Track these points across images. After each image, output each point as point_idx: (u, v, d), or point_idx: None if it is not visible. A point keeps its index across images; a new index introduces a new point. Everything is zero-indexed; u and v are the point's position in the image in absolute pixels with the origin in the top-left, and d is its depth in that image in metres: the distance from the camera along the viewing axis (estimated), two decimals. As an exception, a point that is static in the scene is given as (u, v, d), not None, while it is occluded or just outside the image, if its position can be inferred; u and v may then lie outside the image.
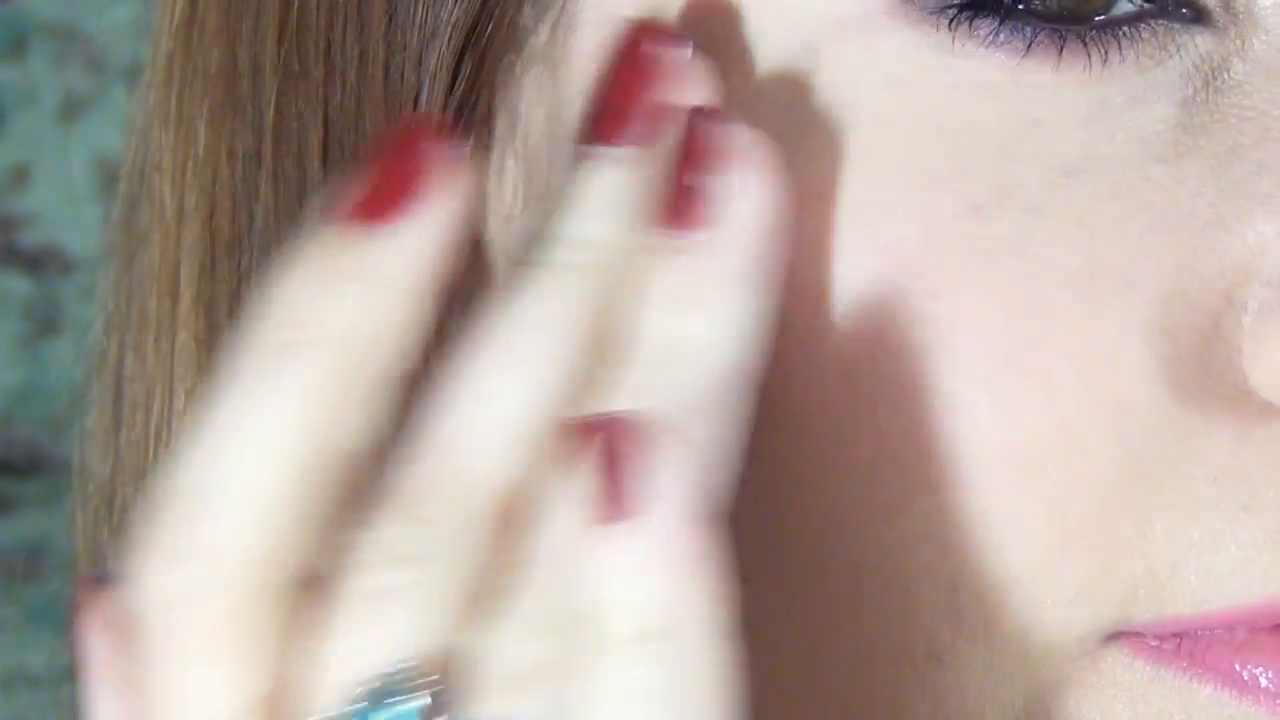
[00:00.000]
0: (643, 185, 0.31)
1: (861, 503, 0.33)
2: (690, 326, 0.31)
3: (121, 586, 0.29)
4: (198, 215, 0.39)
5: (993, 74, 0.32)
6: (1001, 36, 0.32)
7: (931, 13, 0.32)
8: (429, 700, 0.27)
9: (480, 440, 0.29)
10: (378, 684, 0.28)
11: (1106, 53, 0.32)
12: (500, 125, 0.36)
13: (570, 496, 0.28)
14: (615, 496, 0.27)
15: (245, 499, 0.29)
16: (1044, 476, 0.32)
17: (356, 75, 0.36)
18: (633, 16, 0.32)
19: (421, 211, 0.30)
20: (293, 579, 0.29)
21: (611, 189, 0.31)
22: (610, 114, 0.32)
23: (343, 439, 0.30)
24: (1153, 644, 0.33)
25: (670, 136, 0.31)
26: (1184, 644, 0.33)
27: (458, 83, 0.36)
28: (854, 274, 0.32)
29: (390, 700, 0.28)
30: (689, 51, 0.32)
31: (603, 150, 0.31)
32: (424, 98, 0.36)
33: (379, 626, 0.28)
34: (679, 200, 0.31)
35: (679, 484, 0.28)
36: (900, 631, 0.33)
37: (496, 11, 0.35)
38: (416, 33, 0.36)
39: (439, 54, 0.35)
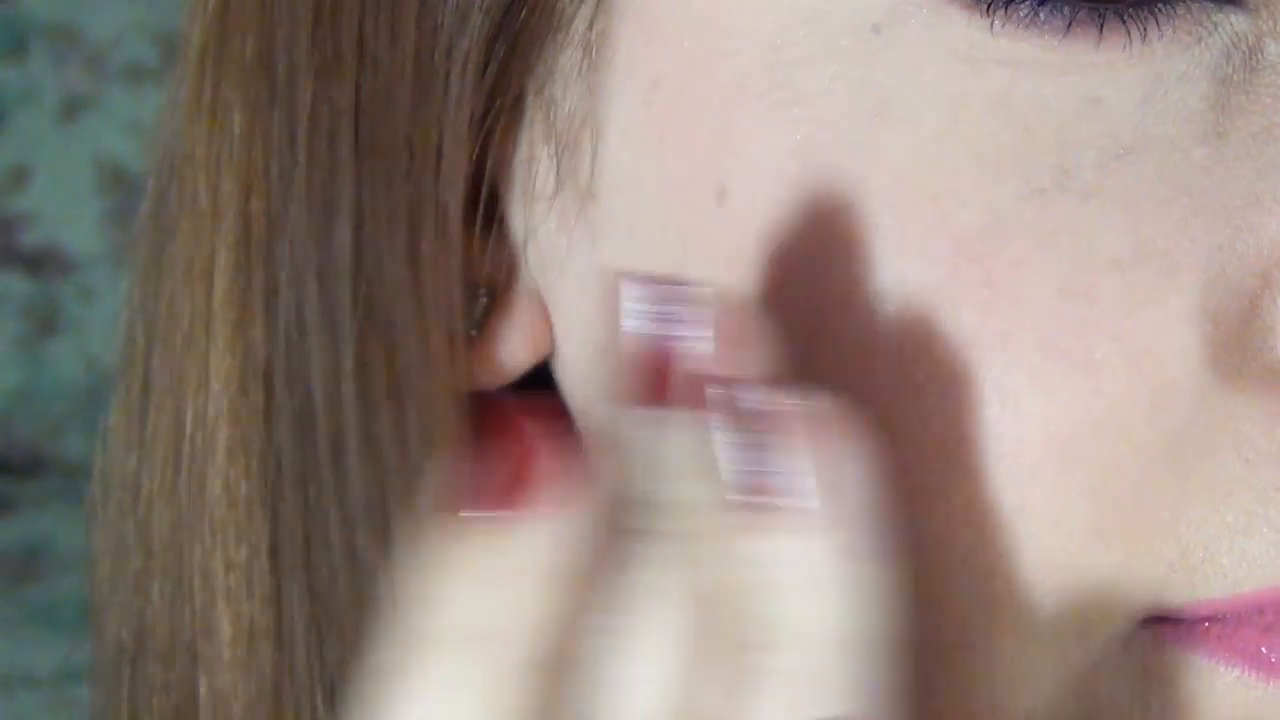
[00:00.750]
0: (737, 461, 0.30)
1: (903, 489, 0.32)
2: (825, 605, 0.30)
3: None
4: (232, 204, 0.39)
5: (1040, 54, 0.32)
6: (1041, 16, 0.32)
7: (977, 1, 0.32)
8: None
9: None
10: None
11: (1145, 29, 0.32)
12: (533, 109, 0.36)
13: None
14: None
15: None
16: (1086, 464, 0.32)
17: (388, 61, 0.36)
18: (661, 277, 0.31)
19: (545, 501, 0.30)
20: None
21: (700, 455, 0.31)
22: (689, 383, 0.31)
23: None
24: (1184, 628, 0.33)
25: (754, 406, 0.31)
26: (1213, 627, 0.33)
27: (489, 67, 0.36)
28: (920, 262, 0.32)
29: None
30: (749, 320, 0.31)
31: (687, 416, 0.31)
32: (454, 83, 0.36)
33: None
34: (779, 485, 0.30)
35: None
36: (934, 618, 0.33)
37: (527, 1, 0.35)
38: (448, 17, 0.36)
39: (471, 39, 0.35)
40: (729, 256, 0.34)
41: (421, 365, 0.37)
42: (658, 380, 0.31)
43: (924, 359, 0.33)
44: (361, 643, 0.38)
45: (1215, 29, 0.32)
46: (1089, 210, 0.32)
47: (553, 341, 0.38)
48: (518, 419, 0.31)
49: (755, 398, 0.30)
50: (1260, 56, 0.32)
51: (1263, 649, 0.32)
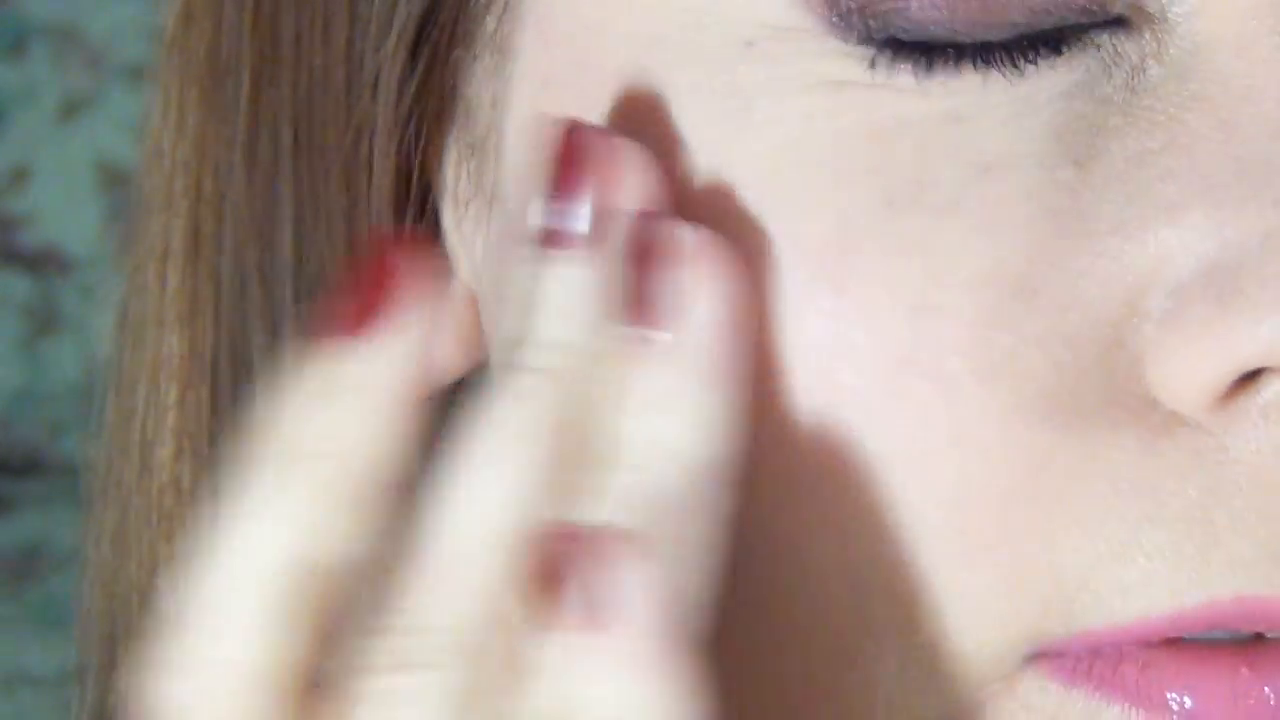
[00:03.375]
0: (603, 286, 0.32)
1: (767, 492, 0.33)
2: (663, 428, 0.31)
3: (141, 695, 0.31)
4: (186, 199, 0.40)
5: (914, 81, 0.32)
6: (926, 65, 0.32)
7: (857, 43, 0.32)
8: None
9: (470, 547, 0.31)
10: None
11: (1032, 56, 0.32)
12: (458, 112, 0.37)
13: (547, 608, 0.29)
14: (586, 609, 0.29)
15: (244, 611, 0.31)
16: (941, 478, 0.32)
17: (321, 63, 0.37)
18: (558, 117, 0.33)
19: (395, 325, 0.31)
20: (299, 684, 0.30)
21: (574, 291, 0.32)
22: (557, 214, 0.32)
23: (336, 549, 0.31)
24: (1067, 664, 0.33)
25: (621, 237, 0.32)
26: (1096, 663, 0.33)
27: (416, 67, 0.36)
28: (772, 270, 0.32)
29: None
30: (627, 147, 0.32)
31: (558, 252, 0.32)
32: (382, 85, 0.36)
33: None
34: (640, 305, 0.32)
35: (646, 595, 0.29)
36: (807, 625, 0.33)
37: (446, 7, 0.36)
38: (375, 19, 0.36)
39: (395, 41, 0.36)
40: None
41: None
42: (561, 219, 0.32)
43: (777, 365, 0.33)
44: None
45: (1097, 50, 0.32)
46: (944, 226, 0.32)
47: (485, 347, 0.39)
48: (386, 249, 0.32)
49: (623, 229, 0.32)
50: (1142, 78, 0.32)
51: (1143, 684, 0.32)
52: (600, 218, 0.32)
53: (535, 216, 0.33)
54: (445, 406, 0.41)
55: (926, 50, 0.32)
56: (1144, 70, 0.32)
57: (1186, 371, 0.31)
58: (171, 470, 0.41)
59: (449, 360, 0.39)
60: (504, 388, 0.32)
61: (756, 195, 0.33)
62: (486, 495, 0.31)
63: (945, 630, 0.33)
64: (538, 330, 0.32)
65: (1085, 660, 0.33)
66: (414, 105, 0.37)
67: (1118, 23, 0.32)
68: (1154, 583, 0.32)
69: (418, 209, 0.38)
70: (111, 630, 0.43)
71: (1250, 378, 0.31)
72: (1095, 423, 0.31)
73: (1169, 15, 0.32)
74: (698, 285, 0.32)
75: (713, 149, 0.33)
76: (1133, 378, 0.31)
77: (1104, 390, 0.32)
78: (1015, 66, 0.32)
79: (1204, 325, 0.31)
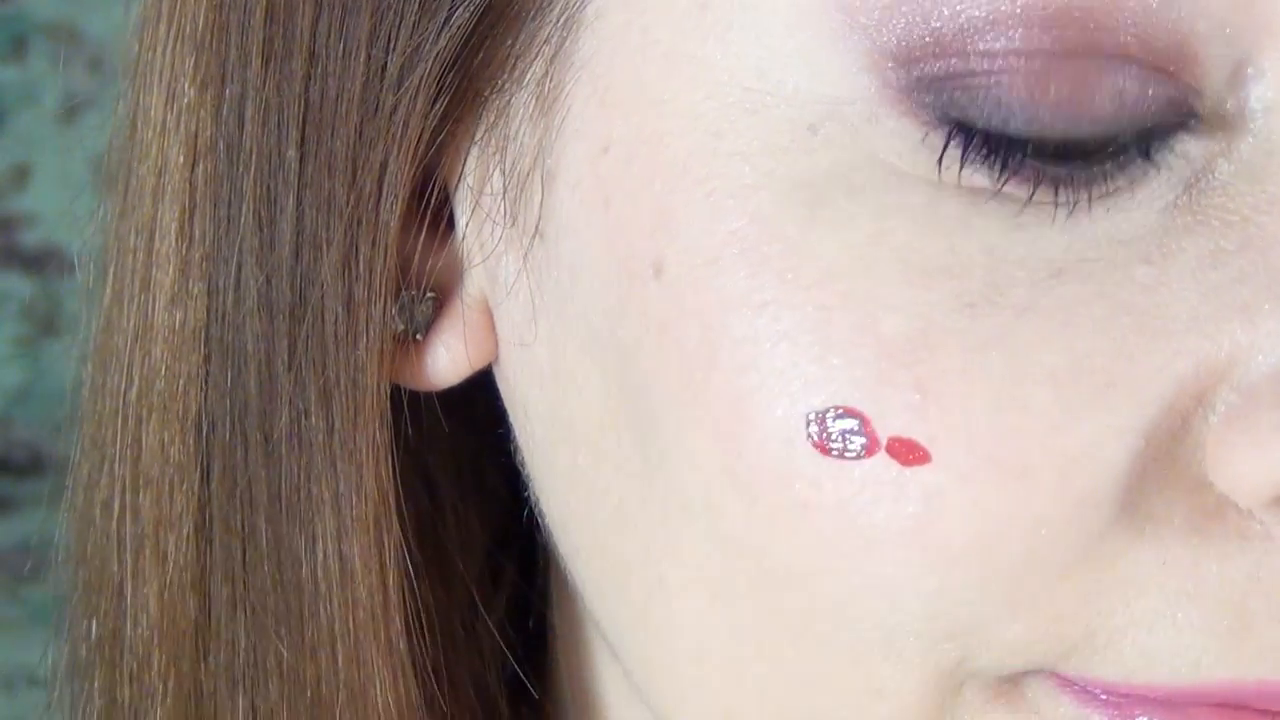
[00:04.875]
0: None
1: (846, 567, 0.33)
2: None
3: None
4: (179, 170, 0.39)
5: (979, 185, 0.32)
6: (991, 167, 0.32)
7: (929, 123, 0.32)
8: None
9: None
10: None
11: (1090, 183, 0.32)
12: (487, 135, 0.37)
13: None
14: None
15: None
16: (1009, 557, 0.32)
17: (336, 73, 0.37)
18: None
19: None
20: None
21: None
22: None
23: None
24: (1078, 687, 0.33)
25: None
26: (1110, 697, 0.33)
27: (439, 97, 0.36)
28: (846, 362, 0.32)
29: None
30: None
31: None
32: (403, 108, 0.36)
33: None
34: None
35: None
36: (846, 668, 0.34)
37: (488, 43, 0.36)
38: (398, 55, 0.36)
39: (421, 78, 0.36)
40: (661, 327, 0.34)
41: (350, 373, 0.38)
42: None
43: (846, 460, 0.32)
44: (284, 613, 0.39)
45: (1164, 166, 0.32)
46: (1023, 325, 0.32)
47: (496, 351, 0.39)
48: None
49: None
50: (1210, 178, 0.32)
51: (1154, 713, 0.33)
52: None
53: None
54: (455, 404, 0.41)
55: (999, 147, 0.32)
56: (1212, 171, 0.32)
57: (1249, 471, 0.31)
58: (161, 439, 0.40)
59: (459, 363, 0.39)
60: None
61: (828, 293, 0.33)
62: None
63: (971, 666, 0.33)
64: None
65: (1096, 693, 0.33)
66: (439, 126, 0.36)
67: (1184, 126, 0.32)
68: (1180, 655, 0.32)
69: (425, 198, 0.38)
70: (88, 578, 0.43)
71: None
72: (1152, 500, 0.32)
73: (1245, 113, 0.32)
74: None
75: (784, 246, 0.33)
76: (1192, 461, 0.32)
77: (1164, 472, 0.32)
78: (1086, 189, 0.32)
79: (1273, 431, 0.31)
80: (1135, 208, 0.32)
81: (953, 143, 0.32)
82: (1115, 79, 0.31)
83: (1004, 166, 0.32)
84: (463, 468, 0.45)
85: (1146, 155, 0.32)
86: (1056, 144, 0.31)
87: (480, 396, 0.41)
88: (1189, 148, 0.32)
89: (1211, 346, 0.32)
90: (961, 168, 0.32)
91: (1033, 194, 0.32)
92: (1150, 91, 0.31)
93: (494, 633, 0.44)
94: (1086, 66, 0.31)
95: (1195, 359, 0.32)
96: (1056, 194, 0.32)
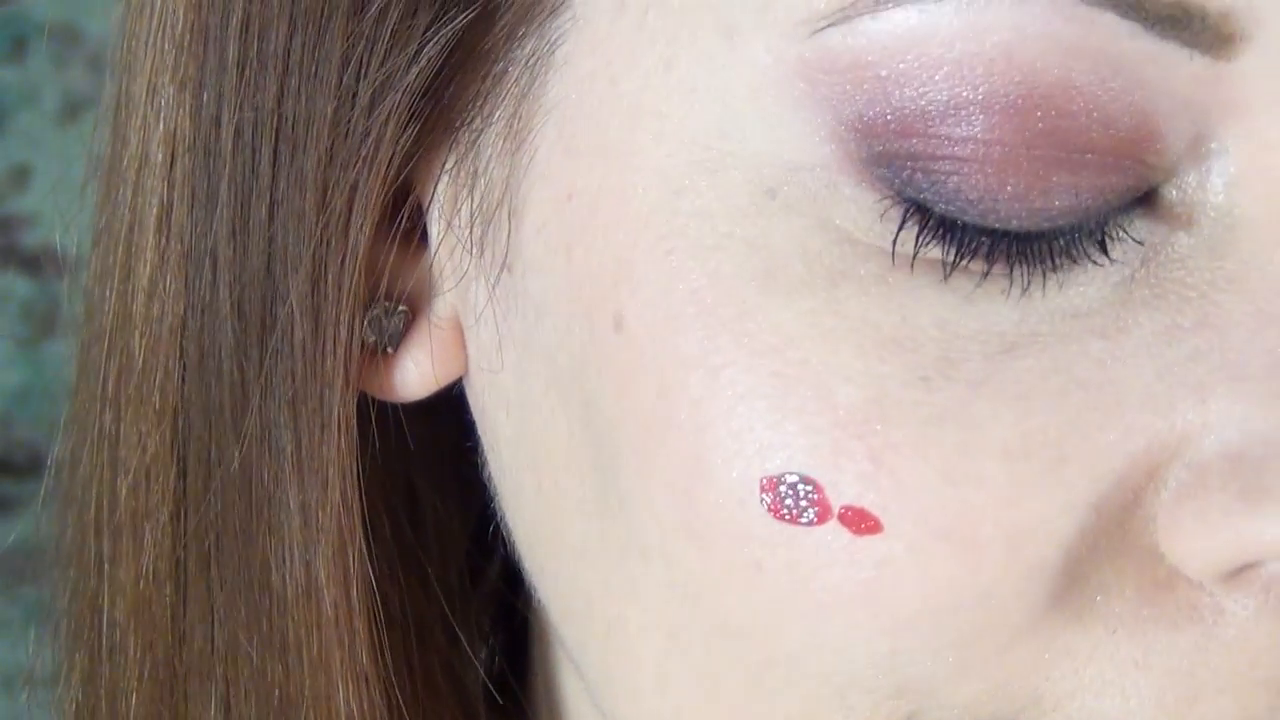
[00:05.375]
0: None
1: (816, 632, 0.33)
2: None
3: None
4: (159, 169, 0.39)
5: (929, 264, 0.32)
6: (945, 253, 0.32)
7: (886, 198, 0.32)
8: None
9: None
10: None
11: (1044, 262, 0.32)
12: (460, 162, 0.37)
13: None
14: None
15: None
16: (958, 624, 0.32)
17: (308, 93, 0.37)
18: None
19: None
20: None
21: None
22: None
23: None
24: None
25: None
26: None
27: (410, 123, 0.36)
28: (801, 430, 0.33)
29: None
30: None
31: None
32: (374, 131, 0.36)
33: None
34: None
35: None
36: (799, 717, 0.34)
37: (458, 76, 0.36)
38: (369, 82, 0.36)
39: (392, 106, 0.36)
40: (621, 379, 0.34)
41: (318, 389, 0.38)
42: None
43: (800, 526, 0.33)
44: (250, 612, 0.39)
45: (1122, 232, 0.32)
46: (977, 399, 0.32)
47: (465, 365, 0.39)
48: None
49: None
50: (1170, 250, 0.32)
51: None
52: None
53: None
54: (425, 420, 0.42)
55: (955, 230, 0.32)
56: (1171, 244, 0.32)
57: (1200, 550, 0.32)
58: (139, 432, 0.40)
59: (428, 377, 0.39)
60: None
61: (784, 359, 0.33)
62: None
63: (921, 707, 0.34)
64: None
65: None
66: (413, 147, 0.36)
67: (1142, 202, 0.32)
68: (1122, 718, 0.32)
69: (395, 214, 0.38)
70: (68, 552, 0.43)
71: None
72: (1104, 570, 0.32)
73: (1206, 187, 0.32)
74: None
75: (740, 310, 0.33)
76: (1144, 532, 0.32)
77: (1116, 543, 0.32)
78: (1040, 267, 0.32)
79: (1224, 514, 0.31)
80: (1090, 283, 0.32)
81: (909, 221, 0.32)
82: (1073, 177, 0.31)
83: (959, 250, 0.32)
84: (443, 468, 0.45)
85: (1101, 244, 0.32)
86: (1013, 235, 0.32)
87: (461, 399, 0.41)
88: (1147, 226, 0.32)
89: (1165, 424, 0.32)
90: (917, 245, 0.32)
91: (988, 271, 0.32)
92: (1109, 182, 0.31)
93: (473, 635, 0.44)
94: (1046, 160, 0.31)
95: (1148, 435, 0.32)
96: (1011, 271, 0.32)
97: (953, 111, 0.31)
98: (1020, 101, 0.30)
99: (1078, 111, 0.30)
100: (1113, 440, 0.32)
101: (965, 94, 0.30)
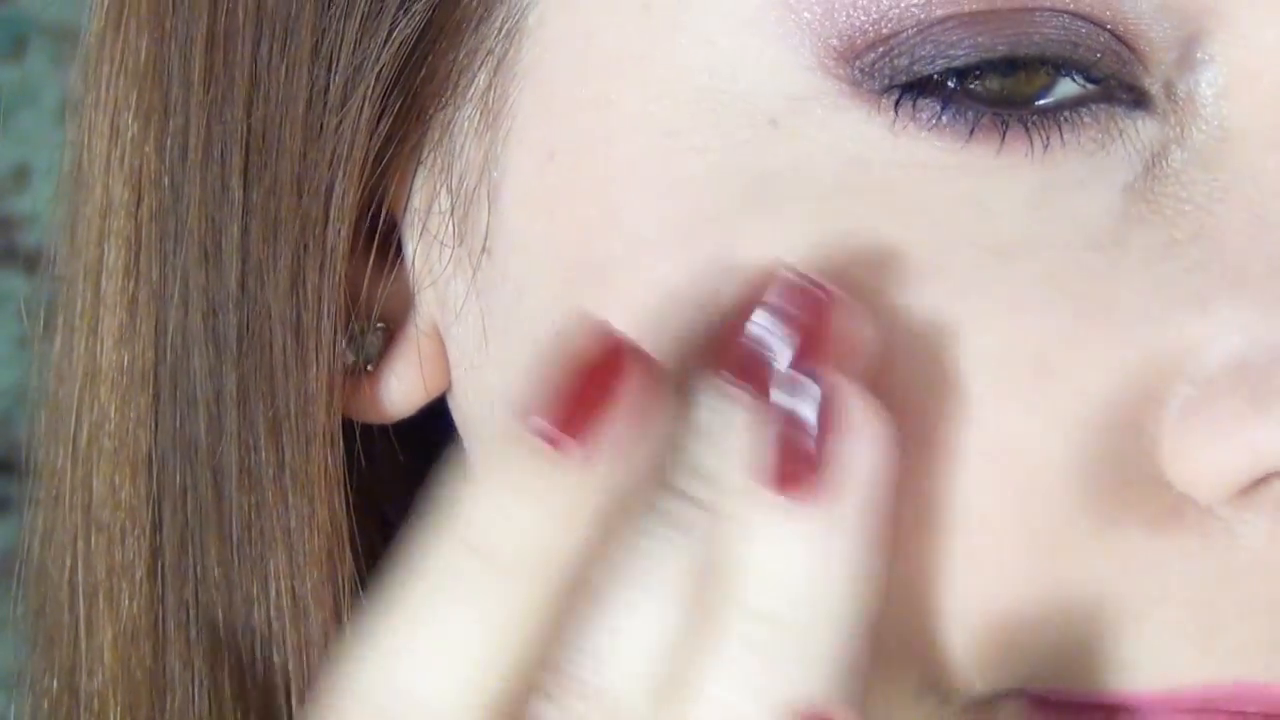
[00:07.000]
0: (774, 438, 0.31)
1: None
2: (816, 586, 0.31)
3: None
4: (124, 206, 0.39)
5: (939, 156, 0.32)
6: (944, 120, 0.32)
7: (879, 94, 0.32)
8: None
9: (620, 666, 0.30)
10: None
11: (1049, 138, 0.32)
12: (433, 155, 0.36)
13: None
14: None
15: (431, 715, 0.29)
16: (946, 545, 0.32)
17: (279, 96, 0.36)
18: (789, 272, 0.32)
19: (618, 444, 0.30)
20: None
21: (745, 437, 0.31)
22: (757, 363, 0.31)
23: (527, 659, 0.30)
24: (1050, 705, 0.33)
25: (804, 396, 0.31)
26: (1085, 713, 0.33)
27: (383, 116, 0.36)
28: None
29: None
30: (850, 319, 0.31)
31: (736, 393, 0.31)
32: (347, 127, 0.36)
33: None
34: (806, 464, 0.31)
35: None
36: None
37: (430, 58, 0.35)
38: (340, 74, 0.36)
39: (366, 89, 0.36)
40: None
41: (301, 404, 0.37)
42: (736, 359, 0.31)
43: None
44: (237, 656, 0.38)
45: (1121, 135, 0.32)
46: (962, 305, 0.32)
47: (448, 378, 0.38)
48: (621, 352, 0.30)
49: (798, 385, 0.30)
50: (1165, 164, 0.32)
51: None
52: (792, 377, 0.31)
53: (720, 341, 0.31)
54: (405, 437, 0.41)
55: (946, 96, 0.31)
56: (1165, 156, 0.32)
57: (1209, 464, 0.31)
58: (111, 482, 0.40)
59: (411, 393, 0.39)
60: (660, 524, 0.31)
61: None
62: (633, 629, 0.31)
63: (929, 675, 0.33)
64: (703, 466, 0.31)
65: (1069, 706, 0.33)
66: (384, 147, 0.36)
67: (1138, 103, 0.32)
68: (1152, 662, 0.32)
69: (372, 227, 0.37)
70: (47, 630, 0.42)
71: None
72: (1105, 502, 0.31)
73: (1195, 98, 0.31)
74: (863, 455, 0.31)
75: (738, 237, 0.33)
76: (1146, 460, 0.32)
77: (1116, 471, 0.31)
78: (1032, 142, 0.31)
79: (1235, 421, 0.31)
80: (1097, 186, 0.32)
81: (904, 100, 0.32)
82: (1058, 19, 0.31)
83: (954, 118, 0.31)
84: (414, 496, 0.45)
85: (1076, 129, 0.31)
86: (1003, 59, 0.31)
87: (433, 425, 0.40)
88: (1145, 130, 0.32)
89: (1163, 338, 0.31)
90: (915, 119, 0.31)
91: (984, 171, 0.32)
92: (1097, 37, 0.31)
93: None
94: (1023, 17, 0.31)
95: (1143, 350, 0.31)
96: (1006, 166, 0.32)
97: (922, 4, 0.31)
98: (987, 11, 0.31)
99: (1054, 7, 0.31)
100: (1105, 353, 0.32)
101: None
